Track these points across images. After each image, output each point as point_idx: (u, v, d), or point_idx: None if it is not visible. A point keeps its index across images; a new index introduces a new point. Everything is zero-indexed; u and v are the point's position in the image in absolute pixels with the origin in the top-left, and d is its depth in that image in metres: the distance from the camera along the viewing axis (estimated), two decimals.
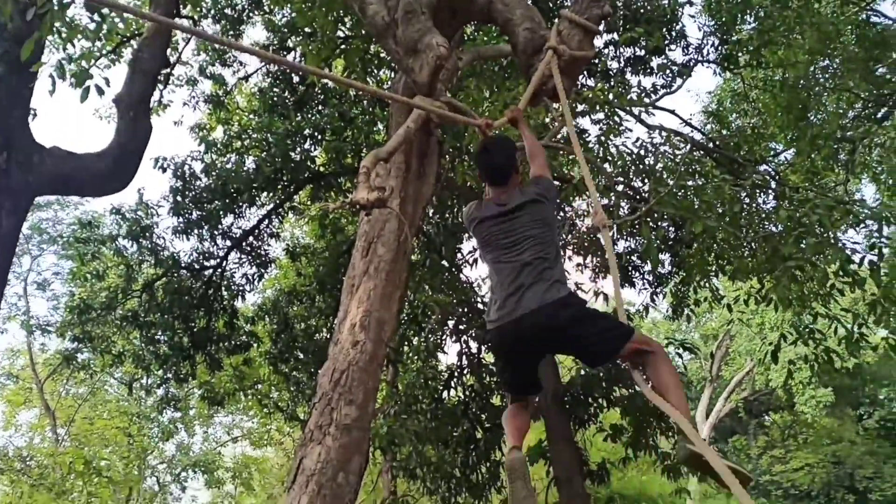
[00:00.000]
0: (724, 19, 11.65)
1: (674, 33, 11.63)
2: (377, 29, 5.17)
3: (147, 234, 13.05)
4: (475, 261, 12.03)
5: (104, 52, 11.95)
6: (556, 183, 3.86)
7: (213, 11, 12.80)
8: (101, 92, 4.83)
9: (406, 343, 13.07)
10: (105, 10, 5.05)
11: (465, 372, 12.43)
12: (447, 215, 12.24)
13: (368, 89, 10.07)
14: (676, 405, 3.15)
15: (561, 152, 9.05)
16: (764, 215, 9.20)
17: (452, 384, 12.38)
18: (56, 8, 4.43)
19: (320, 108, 13.33)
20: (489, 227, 3.61)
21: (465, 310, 12.53)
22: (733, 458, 25.61)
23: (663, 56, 11.77)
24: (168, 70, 12.55)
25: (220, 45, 13.51)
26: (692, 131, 11.95)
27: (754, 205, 9.30)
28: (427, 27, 4.86)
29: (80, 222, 16.05)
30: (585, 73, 11.07)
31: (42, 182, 7.32)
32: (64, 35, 4.68)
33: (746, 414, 26.01)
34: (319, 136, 13.07)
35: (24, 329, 19.87)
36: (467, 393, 12.39)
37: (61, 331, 15.16)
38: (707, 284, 9.63)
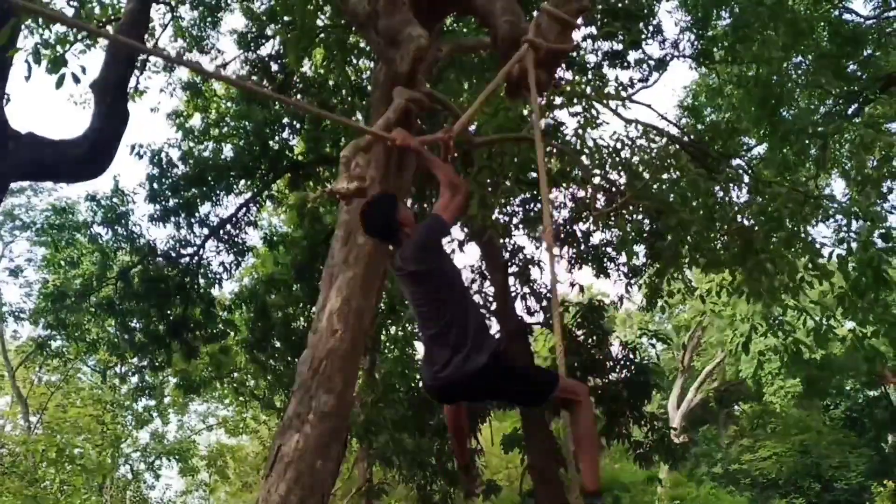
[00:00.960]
0: (699, 15, 11.79)
1: (651, 28, 11.76)
2: (358, 19, 5.22)
3: (123, 221, 12.99)
4: (452, 251, 12.11)
5: (80, 37, 11.83)
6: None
7: None
8: (76, 80, 4.82)
9: (383, 332, 13.12)
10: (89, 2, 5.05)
11: None
12: (426, 206, 12.30)
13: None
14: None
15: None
16: (737, 209, 9.36)
17: None
18: None
19: (299, 96, 13.30)
20: (403, 285, 3.65)
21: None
22: (704, 448, 26.04)
23: (640, 50, 11.89)
24: (145, 56, 12.44)
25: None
26: (668, 125, 12.07)
27: (727, 198, 9.46)
28: (408, 18, 4.91)
29: (55, 208, 15.91)
30: (563, 66, 11.15)
31: (16, 168, 7.27)
32: (41, 21, 4.66)
33: (717, 404, 26.38)
34: (298, 125, 13.06)
35: None
36: None
37: (35, 318, 15.07)
38: (680, 276, 9.77)
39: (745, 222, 9.09)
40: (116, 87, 8.78)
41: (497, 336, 3.50)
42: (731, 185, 9.57)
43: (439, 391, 3.44)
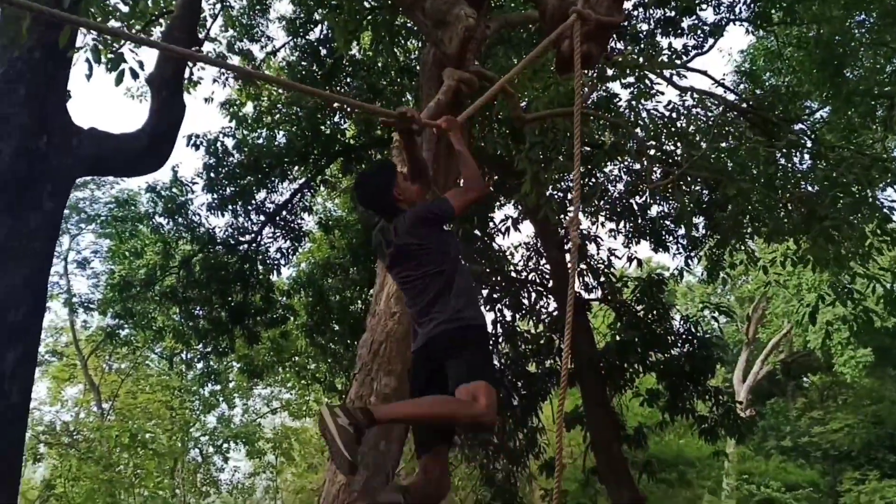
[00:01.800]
0: None
1: None
2: (405, 2, 5.17)
3: (182, 211, 13.26)
4: (507, 230, 12.03)
5: (134, 31, 12.03)
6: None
7: None
8: (135, 75, 4.91)
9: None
10: None
11: (500, 340, 12.50)
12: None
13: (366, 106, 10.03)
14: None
15: (591, 118, 8.99)
16: (799, 175, 9.08)
17: None
18: None
19: (349, 80, 13.34)
20: (387, 261, 3.43)
21: (499, 278, 12.56)
22: (772, 421, 25.54)
23: (694, 16, 11.56)
24: (198, 47, 12.62)
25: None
26: (725, 92, 11.76)
27: (789, 165, 9.18)
28: None
29: (117, 201, 16.31)
30: (615, 36, 10.92)
31: (81, 163, 7.46)
32: (98, 19, 4.75)
33: (784, 376, 25.81)
34: (349, 109, 13.10)
35: (66, 307, 20.34)
36: (503, 361, 12.46)
37: (103, 308, 15.53)
38: (742, 247, 9.53)
39: (809, 189, 8.83)
40: (172, 80, 8.93)
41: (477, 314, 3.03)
42: (793, 151, 9.29)
43: (417, 352, 3.23)
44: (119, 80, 4.86)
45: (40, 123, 6.92)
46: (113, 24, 8.40)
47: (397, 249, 3.25)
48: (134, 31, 10.36)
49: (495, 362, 12.48)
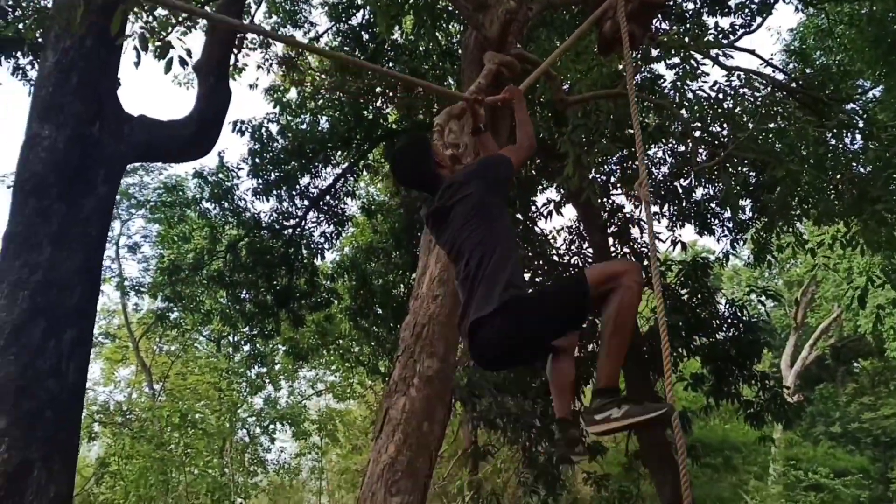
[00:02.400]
0: None
1: None
2: None
3: (229, 196, 13.49)
4: (549, 213, 11.99)
5: (181, 18, 12.21)
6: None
7: None
8: (183, 63, 5.00)
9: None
10: None
11: None
12: (520, 169, 12.21)
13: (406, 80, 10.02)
14: (612, 348, 2.72)
15: (639, 102, 8.89)
16: (851, 156, 8.88)
17: None
18: None
19: (391, 65, 13.38)
20: (432, 230, 3.21)
21: (541, 262, 12.54)
22: (820, 406, 25.10)
23: None
24: (242, 34, 12.77)
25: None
26: (774, 71, 11.51)
27: (840, 146, 8.98)
28: None
29: (166, 186, 16.63)
30: (660, 16, 10.76)
31: (132, 150, 7.64)
32: (146, 7, 4.87)
33: (834, 361, 25.30)
34: (391, 94, 13.16)
35: (118, 290, 20.83)
36: None
37: (153, 291, 15.89)
38: (790, 230, 9.37)
39: (861, 170, 8.63)
40: (218, 68, 9.07)
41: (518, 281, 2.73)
42: (844, 131, 9.08)
43: (472, 354, 2.90)
44: (168, 68, 4.96)
45: (93, 111, 7.10)
46: (160, 11, 8.58)
47: (444, 211, 3.01)
48: (180, 18, 10.55)
49: None
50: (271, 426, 23.48)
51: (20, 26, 7.28)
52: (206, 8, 12.40)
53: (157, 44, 5.06)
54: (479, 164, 3.19)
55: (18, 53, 10.41)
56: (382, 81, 13.07)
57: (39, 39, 7.24)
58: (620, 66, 9.76)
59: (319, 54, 13.19)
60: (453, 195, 2.97)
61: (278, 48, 14.60)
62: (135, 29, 5.51)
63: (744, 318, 11.54)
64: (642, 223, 12.47)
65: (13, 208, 6.82)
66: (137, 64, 4.87)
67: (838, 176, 8.24)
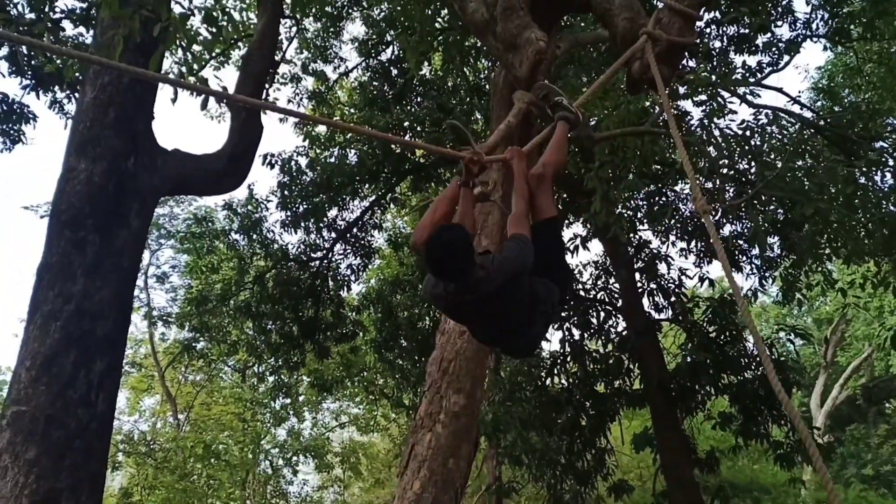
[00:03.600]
0: None
1: (780, 9, 11.21)
2: (476, 26, 5.26)
3: (257, 228, 13.64)
4: (576, 248, 11.98)
5: (214, 53, 12.49)
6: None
7: (314, 9, 13.15)
8: (219, 100, 5.12)
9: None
10: (221, 21, 5.36)
11: (568, 359, 12.43)
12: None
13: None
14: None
15: (661, 136, 8.92)
16: (881, 195, 8.80)
17: (555, 371, 12.40)
18: (178, 22, 4.74)
19: (419, 100, 13.55)
20: (448, 312, 3.45)
21: (568, 297, 12.51)
22: (851, 448, 24.59)
23: (769, 33, 11.35)
24: (273, 69, 13.02)
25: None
26: (802, 109, 11.49)
27: (870, 184, 8.91)
28: (526, 22, 4.92)
29: (195, 217, 16.87)
30: (686, 54, 10.82)
31: (165, 183, 7.80)
32: (184, 46, 5.01)
33: (865, 401, 24.81)
34: (419, 128, 13.29)
35: (145, 320, 21.08)
36: (570, 380, 12.39)
37: (181, 321, 16.04)
38: (820, 268, 9.28)
39: (892, 209, 8.55)
40: None
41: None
42: (874, 169, 9.01)
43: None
44: (204, 105, 5.09)
45: (129, 145, 7.27)
46: (195, 47, 8.78)
47: (482, 297, 3.09)
48: (213, 55, 10.78)
49: (563, 381, 12.41)
50: (294, 458, 23.45)
51: (59, 62, 7.50)
52: (240, 44, 12.74)
53: (186, 72, 5.19)
54: (505, 263, 3.11)
55: (56, 87, 10.70)
56: (410, 116, 13.23)
57: (79, 76, 7.44)
58: (647, 103, 9.84)
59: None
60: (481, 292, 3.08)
61: (308, 83, 14.89)
62: (171, 66, 5.65)
63: (772, 356, 11.39)
64: (669, 259, 12.43)
65: (49, 239, 6.96)
66: (174, 100, 4.99)
67: (868, 215, 8.17)
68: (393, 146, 13.26)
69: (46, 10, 8.50)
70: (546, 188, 3.60)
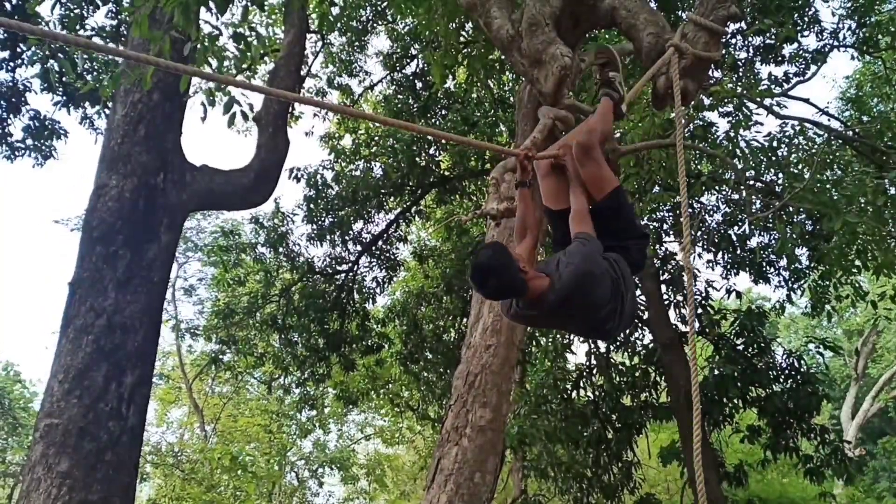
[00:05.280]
0: (860, 1, 11.05)
1: (806, 19, 11.15)
2: (501, 42, 5.29)
3: (284, 241, 13.75)
4: None
5: (241, 68, 12.63)
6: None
7: (339, 25, 13.30)
8: (246, 117, 5.21)
9: (534, 343, 13.14)
10: (250, 38, 5.45)
11: (593, 372, 12.38)
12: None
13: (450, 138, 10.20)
14: None
15: (690, 150, 8.90)
16: None
17: (581, 384, 12.35)
18: (206, 42, 4.84)
19: (444, 113, 13.62)
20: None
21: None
22: (884, 461, 24.18)
23: (795, 43, 11.28)
24: (299, 84, 13.15)
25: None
26: (829, 120, 11.40)
27: None
28: (551, 38, 4.94)
29: (222, 231, 17.04)
30: (712, 65, 10.77)
31: (194, 198, 7.92)
32: (214, 65, 5.11)
33: None
34: (444, 141, 13.35)
35: (173, 332, 21.28)
36: (597, 393, 12.33)
37: (208, 334, 16.19)
38: (849, 280, 9.18)
39: None
40: (277, 119, 9.35)
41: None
42: None
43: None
44: (231, 122, 5.16)
45: (158, 161, 7.40)
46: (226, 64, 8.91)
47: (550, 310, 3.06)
48: (244, 69, 10.92)
49: (589, 394, 12.35)
50: (320, 470, 23.51)
51: (89, 79, 7.67)
52: (266, 59, 12.88)
53: (221, 96, 5.27)
54: (569, 273, 2.99)
55: (87, 104, 10.91)
56: (435, 129, 13.29)
57: (112, 92, 7.60)
58: (672, 115, 9.81)
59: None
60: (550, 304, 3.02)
61: (334, 97, 15.02)
62: (202, 85, 5.75)
63: (801, 368, 11.27)
64: (696, 270, 12.35)
65: (81, 254, 7.09)
66: (204, 119, 5.08)
67: None
68: (417, 159, 13.32)
69: (77, 28, 8.68)
70: (596, 161, 3.42)
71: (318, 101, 10.79)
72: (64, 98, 10.53)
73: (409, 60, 13.98)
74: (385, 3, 12.53)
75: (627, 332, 12.45)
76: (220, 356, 15.90)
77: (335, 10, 11.69)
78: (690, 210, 12.03)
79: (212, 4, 4.79)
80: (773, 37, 10.96)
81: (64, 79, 10.15)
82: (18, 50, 10.05)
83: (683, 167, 3.62)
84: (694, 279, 12.15)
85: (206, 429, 22.83)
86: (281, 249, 13.87)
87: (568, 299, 2.99)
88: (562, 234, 3.43)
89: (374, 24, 13.95)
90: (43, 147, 10.79)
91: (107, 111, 10.26)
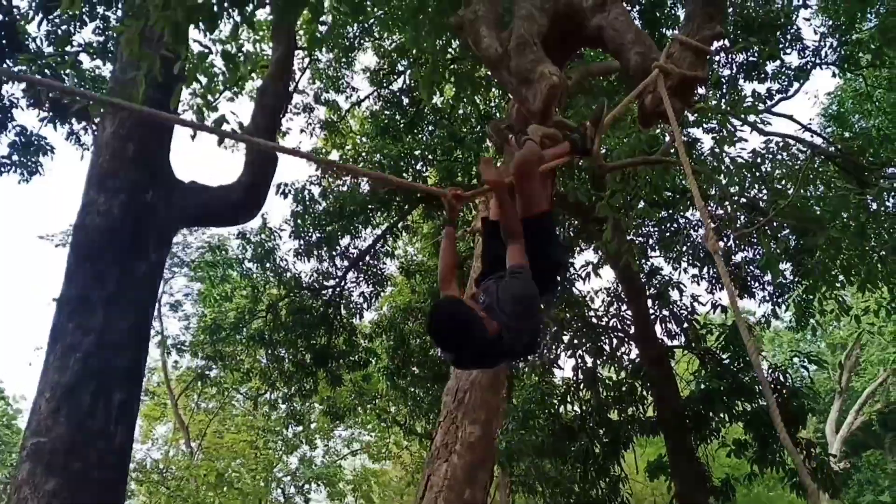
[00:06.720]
0: (842, 19, 11.23)
1: (789, 37, 11.31)
2: (490, 61, 5.34)
3: (271, 256, 13.74)
4: (587, 275, 12.01)
5: (228, 86, 12.67)
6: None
7: (327, 42, 13.34)
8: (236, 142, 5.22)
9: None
10: (238, 56, 5.48)
11: (581, 387, 12.40)
12: (559, 232, 12.30)
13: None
14: None
15: (673, 165, 8.98)
16: (893, 221, 8.80)
17: (569, 399, 12.36)
18: (198, 61, 4.87)
19: (431, 129, 13.68)
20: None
21: (580, 324, 12.52)
22: (868, 474, 24.31)
23: (778, 61, 11.45)
24: (287, 100, 13.18)
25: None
26: (812, 136, 11.55)
27: (882, 209, 8.92)
28: (539, 57, 4.99)
29: (209, 246, 16.99)
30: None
31: (182, 215, 7.92)
32: (203, 83, 5.12)
33: (881, 427, 24.56)
34: (430, 157, 13.42)
35: (159, 348, 21.14)
36: (584, 408, 12.35)
37: (195, 349, 16.13)
38: (833, 295, 9.28)
39: None
40: (265, 135, 9.37)
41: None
42: (886, 195, 9.03)
43: None
44: (221, 141, 5.18)
45: (147, 179, 7.40)
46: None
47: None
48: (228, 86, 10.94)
49: (576, 409, 12.38)
50: (306, 486, 23.36)
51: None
52: (254, 75, 12.90)
53: (213, 117, 5.30)
54: (523, 300, 3.11)
55: (73, 119, 10.88)
56: (422, 144, 13.36)
57: (101, 110, 7.59)
58: (658, 131, 9.90)
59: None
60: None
61: (321, 112, 15.06)
62: (188, 98, 5.76)
63: (786, 383, 11.34)
64: (681, 285, 12.43)
65: (68, 272, 7.06)
66: (194, 136, 5.10)
67: (881, 241, 8.19)
68: (404, 174, 13.37)
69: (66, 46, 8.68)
70: (531, 180, 3.64)
71: (296, 151, 10.88)
72: (51, 114, 10.51)
73: (395, 76, 14.06)
74: (372, 21, 12.58)
75: (614, 346, 12.52)
76: (207, 372, 15.83)
77: (323, 28, 11.74)
78: (675, 226, 12.13)
79: (202, 24, 4.82)
80: (757, 54, 11.11)
81: (50, 94, 10.14)
82: (6, 66, 10.03)
83: (692, 177, 3.70)
84: (680, 293, 12.25)
85: (192, 445, 22.65)
86: (268, 265, 13.85)
87: (519, 335, 3.08)
88: (494, 250, 3.47)
89: (362, 41, 14.03)
90: (29, 163, 10.74)
91: (94, 127, 10.24)
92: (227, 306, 15.85)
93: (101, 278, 6.84)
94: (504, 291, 3.09)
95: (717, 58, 11.56)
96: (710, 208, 11.50)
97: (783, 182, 8.91)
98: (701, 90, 11.37)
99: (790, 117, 11.30)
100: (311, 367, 13.85)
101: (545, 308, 11.83)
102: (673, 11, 11.32)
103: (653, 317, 12.23)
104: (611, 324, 12.83)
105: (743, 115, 9.84)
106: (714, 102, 10.75)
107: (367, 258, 14.44)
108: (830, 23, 11.64)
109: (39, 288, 42.21)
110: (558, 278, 3.58)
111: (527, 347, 3.34)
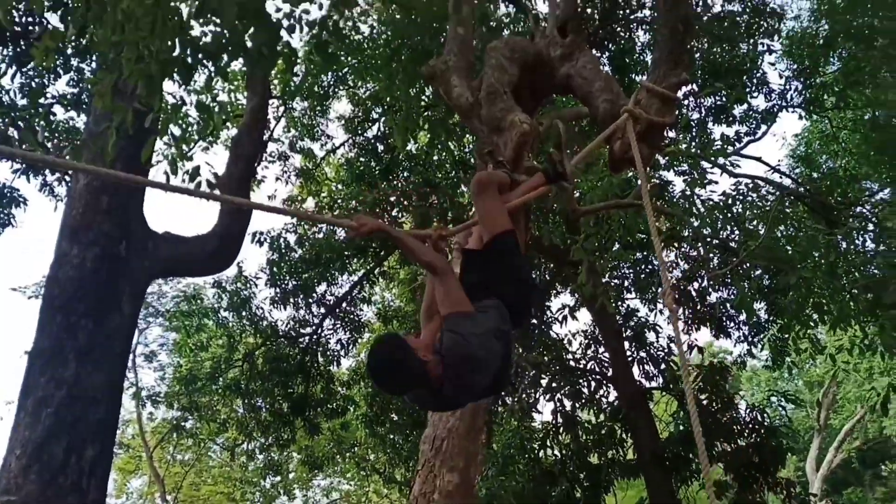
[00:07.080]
0: (806, 63, 11.54)
1: (755, 80, 11.60)
2: (461, 110, 5.43)
3: (247, 305, 13.64)
4: (564, 318, 12.05)
5: (202, 135, 12.71)
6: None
7: (301, 90, 13.46)
8: (212, 186, 5.23)
9: (500, 403, 13.10)
10: (212, 106, 5.51)
11: (560, 430, 12.34)
12: (534, 274, 12.35)
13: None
14: None
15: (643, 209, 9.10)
16: (863, 259, 8.95)
17: (548, 443, 12.29)
18: (170, 113, 4.90)
19: (406, 175, 13.77)
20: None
21: (558, 367, 12.51)
22: None
23: (746, 104, 11.71)
24: (262, 149, 13.23)
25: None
26: (781, 177, 11.78)
27: (852, 248, 9.07)
28: (509, 105, 5.09)
29: (185, 296, 16.84)
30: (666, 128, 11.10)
31: (156, 266, 7.87)
32: (177, 135, 5.14)
33: (861, 464, 24.63)
34: (406, 203, 13.47)
35: (133, 399, 20.76)
36: (564, 452, 12.27)
37: (170, 400, 15.88)
38: (806, 334, 9.37)
39: (876, 272, 8.67)
40: (240, 185, 9.39)
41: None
42: (855, 234, 9.19)
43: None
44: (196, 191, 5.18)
45: (120, 230, 7.36)
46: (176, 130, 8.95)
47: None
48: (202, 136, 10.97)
49: (556, 453, 12.30)
50: None
51: (50, 147, 7.66)
52: (229, 124, 12.96)
53: (187, 170, 5.31)
54: (452, 366, 2.86)
55: (46, 171, 10.84)
56: (398, 190, 13.43)
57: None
58: (630, 174, 10.05)
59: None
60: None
61: (296, 160, 15.12)
62: (162, 147, 5.78)
63: (765, 422, 11.37)
64: (658, 327, 12.50)
65: (41, 324, 6.97)
66: (167, 190, 5.07)
67: (852, 280, 8.30)
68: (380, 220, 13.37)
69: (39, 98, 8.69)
70: (490, 199, 3.57)
71: (267, 207, 10.95)
72: (24, 166, 10.46)
73: (370, 124, 14.17)
74: (346, 69, 12.73)
75: (592, 388, 12.50)
76: (183, 423, 15.57)
77: (297, 78, 11.87)
78: (650, 268, 12.24)
79: (176, 76, 4.85)
80: (725, 98, 11.37)
81: (24, 146, 10.10)
82: None
83: (654, 227, 3.75)
84: (656, 335, 12.31)
85: (168, 498, 22.14)
86: (244, 313, 13.75)
87: (464, 389, 2.96)
88: (468, 280, 3.38)
89: (336, 89, 14.16)
90: (1, 214, 10.66)
91: (67, 179, 10.20)
92: (202, 356, 15.66)
93: (74, 330, 6.76)
94: (446, 350, 2.86)
95: (686, 102, 11.81)
96: (683, 249, 11.67)
97: (754, 223, 9.06)
98: (671, 134, 11.63)
99: (759, 159, 11.53)
100: (288, 416, 13.68)
101: (521, 336, 11.77)
102: (642, 57, 11.58)
103: (630, 358, 12.27)
104: (589, 366, 12.84)
105: (713, 158, 10.04)
106: (684, 145, 10.95)
107: (344, 305, 14.38)
108: (795, 67, 11.96)
109: (11, 341, 41.47)
110: (532, 300, 3.49)
111: (481, 394, 3.14)
